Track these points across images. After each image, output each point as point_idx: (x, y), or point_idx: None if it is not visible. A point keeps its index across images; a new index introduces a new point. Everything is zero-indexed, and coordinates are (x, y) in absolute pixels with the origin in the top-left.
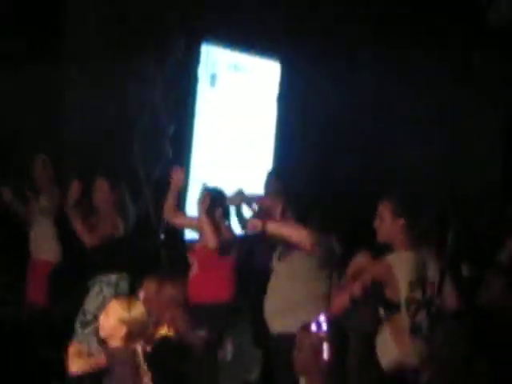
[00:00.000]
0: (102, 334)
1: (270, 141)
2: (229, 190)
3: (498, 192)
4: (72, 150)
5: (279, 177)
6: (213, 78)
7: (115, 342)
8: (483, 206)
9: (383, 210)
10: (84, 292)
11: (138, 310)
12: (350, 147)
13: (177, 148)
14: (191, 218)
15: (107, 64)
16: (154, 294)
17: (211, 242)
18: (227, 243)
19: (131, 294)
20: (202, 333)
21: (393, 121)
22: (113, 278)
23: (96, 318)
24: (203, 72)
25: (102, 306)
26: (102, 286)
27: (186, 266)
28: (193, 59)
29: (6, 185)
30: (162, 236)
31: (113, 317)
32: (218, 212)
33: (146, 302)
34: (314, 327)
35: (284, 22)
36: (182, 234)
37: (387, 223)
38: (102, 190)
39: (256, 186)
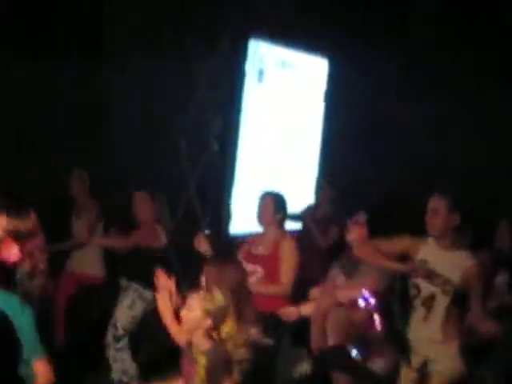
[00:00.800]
0: (187, 327)
1: (316, 138)
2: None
3: None
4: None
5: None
6: (260, 73)
7: (199, 335)
8: None
9: (438, 204)
10: (115, 290)
11: (220, 299)
12: (395, 147)
13: (223, 144)
14: None
15: (154, 62)
16: (216, 278)
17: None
18: None
19: None
20: (268, 341)
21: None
22: (149, 295)
23: (126, 332)
24: (251, 68)
25: (133, 322)
26: (135, 299)
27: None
28: (240, 55)
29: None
30: (207, 231)
31: (197, 310)
32: (279, 217)
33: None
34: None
35: (333, 19)
36: (226, 228)
37: (442, 217)
38: (141, 201)
39: (302, 184)
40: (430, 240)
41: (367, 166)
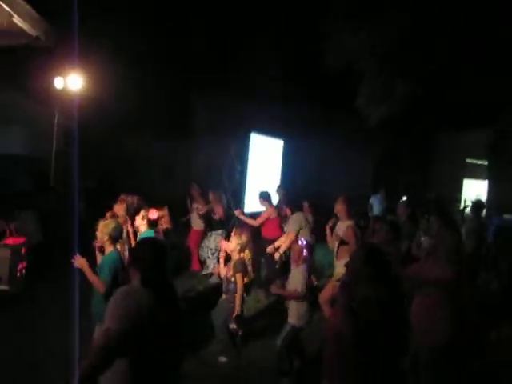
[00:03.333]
0: (229, 251)
1: (278, 175)
2: None
3: None
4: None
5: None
6: (254, 146)
7: (234, 254)
8: None
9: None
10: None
11: (244, 240)
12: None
13: (241, 174)
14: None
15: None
16: (240, 232)
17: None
18: None
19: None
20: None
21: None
22: (220, 232)
23: (215, 251)
24: (251, 143)
25: (216, 245)
26: (216, 236)
27: None
28: (248, 138)
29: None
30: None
31: (234, 242)
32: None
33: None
34: None
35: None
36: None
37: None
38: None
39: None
40: None
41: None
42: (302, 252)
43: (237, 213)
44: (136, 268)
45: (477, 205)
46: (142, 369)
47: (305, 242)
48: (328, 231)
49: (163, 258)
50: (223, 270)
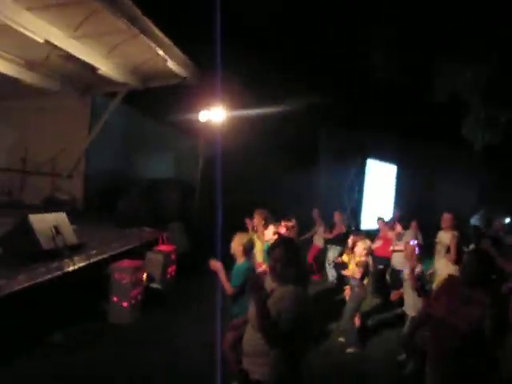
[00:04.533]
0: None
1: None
2: None
3: None
4: None
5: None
6: (369, 170)
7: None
8: None
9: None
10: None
11: (368, 243)
12: None
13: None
14: None
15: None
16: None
17: None
18: None
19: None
20: None
21: None
22: (338, 248)
23: (332, 262)
24: (367, 168)
25: (333, 258)
26: (334, 250)
27: None
28: (363, 164)
29: None
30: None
31: (360, 246)
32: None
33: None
34: None
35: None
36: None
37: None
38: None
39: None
40: None
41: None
42: (415, 251)
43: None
44: (288, 267)
45: None
46: (291, 354)
47: (416, 242)
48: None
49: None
50: (350, 271)
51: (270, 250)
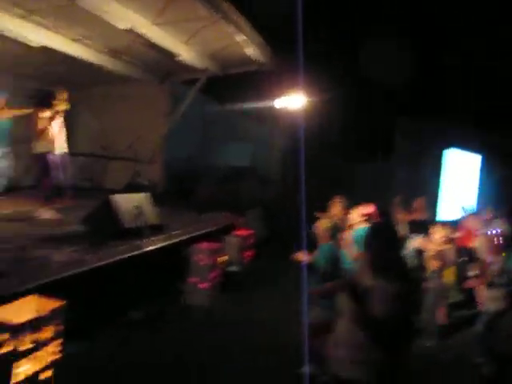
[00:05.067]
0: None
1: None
2: None
3: None
4: None
5: None
6: (449, 159)
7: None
8: None
9: None
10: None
11: (448, 231)
12: None
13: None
14: None
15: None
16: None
17: None
18: None
19: None
20: None
21: None
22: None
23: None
24: (448, 158)
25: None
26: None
27: None
28: (442, 154)
29: None
30: None
31: (438, 234)
32: None
33: None
34: None
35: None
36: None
37: None
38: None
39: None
40: None
41: None
42: (493, 241)
43: None
44: (386, 258)
45: None
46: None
47: (499, 231)
48: None
49: None
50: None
51: (365, 239)
